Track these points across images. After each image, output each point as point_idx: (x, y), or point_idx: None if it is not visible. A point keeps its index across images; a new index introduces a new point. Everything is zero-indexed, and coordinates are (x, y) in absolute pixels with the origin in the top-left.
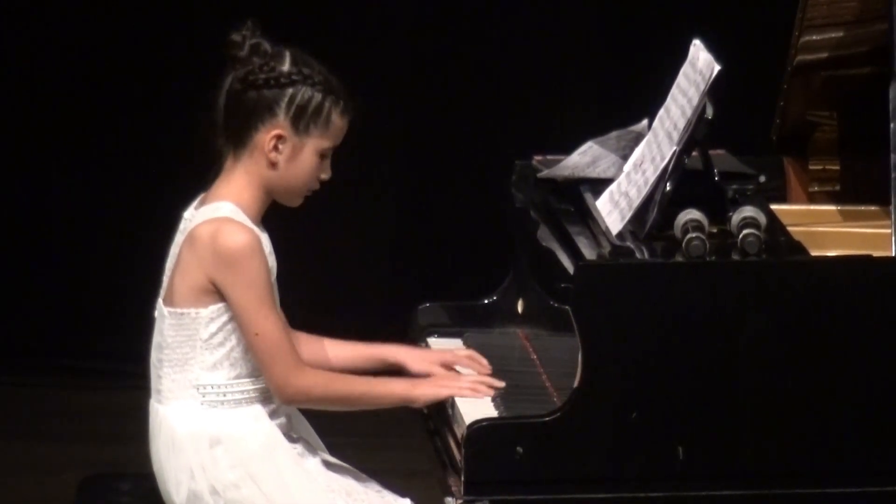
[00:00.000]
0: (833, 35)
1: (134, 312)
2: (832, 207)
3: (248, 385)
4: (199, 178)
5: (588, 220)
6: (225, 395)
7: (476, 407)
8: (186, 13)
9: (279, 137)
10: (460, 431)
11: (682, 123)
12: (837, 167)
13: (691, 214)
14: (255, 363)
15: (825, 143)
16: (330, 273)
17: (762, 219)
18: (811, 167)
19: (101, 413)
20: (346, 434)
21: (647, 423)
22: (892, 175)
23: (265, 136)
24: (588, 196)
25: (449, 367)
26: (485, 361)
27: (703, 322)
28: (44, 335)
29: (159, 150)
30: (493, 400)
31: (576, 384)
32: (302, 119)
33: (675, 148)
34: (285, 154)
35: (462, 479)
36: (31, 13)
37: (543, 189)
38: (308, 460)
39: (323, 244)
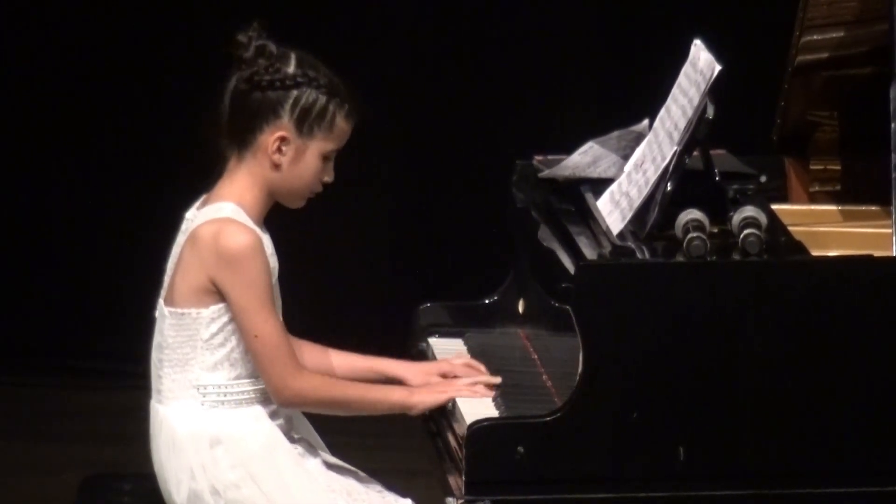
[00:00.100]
0: (834, 35)
1: (134, 312)
2: (833, 207)
3: (248, 385)
4: (200, 179)
5: (589, 220)
6: (225, 396)
7: (477, 407)
8: (187, 13)
9: (283, 139)
10: (461, 431)
11: (682, 123)
12: (838, 167)
13: (692, 214)
14: (254, 364)
15: (826, 143)
16: (331, 273)
17: (763, 219)
18: (812, 167)
19: (101, 413)
20: (347, 434)
21: (647, 423)
22: (893, 175)
23: (269, 138)
24: (589, 196)
25: (447, 377)
26: (483, 368)
27: (704, 322)
28: (44, 335)
29: (160, 150)
30: (494, 400)
31: (576, 384)
32: (306, 121)
33: (675, 148)
34: (288, 156)
35: (463, 478)
36: (31, 13)
37: (544, 189)
38: (309, 461)
39: (324, 244)
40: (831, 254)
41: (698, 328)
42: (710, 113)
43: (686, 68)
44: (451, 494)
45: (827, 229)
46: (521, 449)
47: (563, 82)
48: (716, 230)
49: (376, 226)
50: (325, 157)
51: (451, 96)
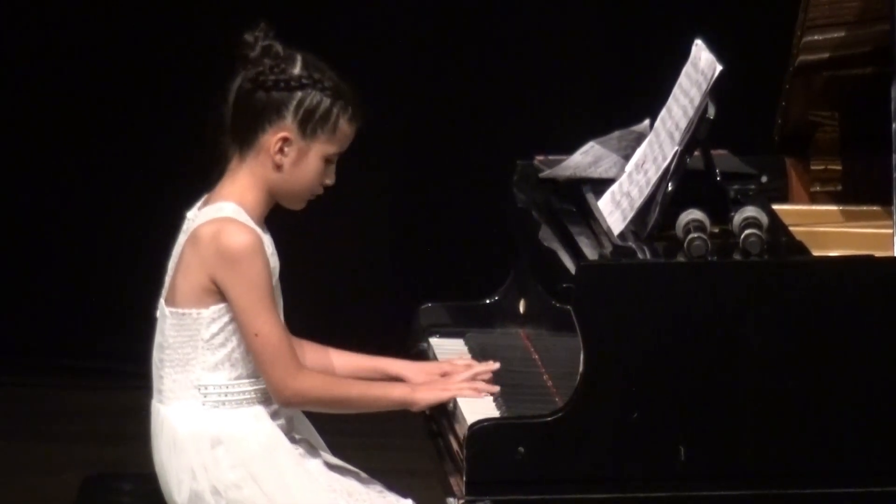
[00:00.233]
0: (835, 35)
1: (135, 312)
2: (834, 207)
3: (249, 385)
4: (200, 179)
5: (590, 220)
6: (226, 396)
7: (478, 407)
8: (187, 13)
9: (285, 140)
10: (462, 431)
11: (683, 123)
12: (839, 167)
13: (693, 214)
14: (255, 364)
15: (827, 143)
16: (331, 273)
17: (764, 219)
18: (813, 167)
19: (102, 413)
20: (347, 434)
21: (648, 423)
22: (894, 175)
23: (271, 138)
24: (590, 196)
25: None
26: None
27: (705, 322)
28: (44, 335)
29: (161, 150)
30: (495, 400)
31: (577, 384)
32: (309, 123)
33: (676, 148)
34: (290, 157)
35: (464, 478)
36: (31, 13)
37: (545, 189)
38: (309, 461)
39: (324, 244)
40: (832, 254)
41: (699, 328)
42: (711, 113)
43: (687, 68)
44: (452, 494)
45: (828, 229)
46: (521, 449)
47: (564, 82)
48: (717, 230)
49: (376, 226)
50: (327, 160)
51: (451, 96)
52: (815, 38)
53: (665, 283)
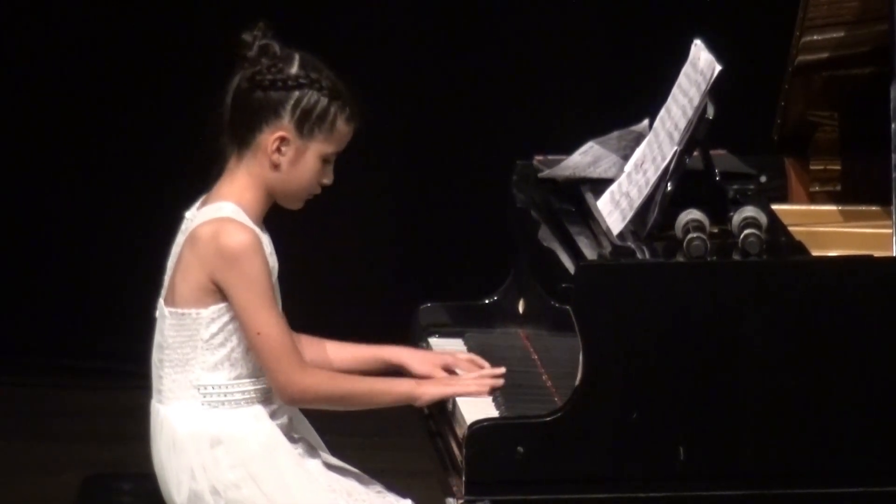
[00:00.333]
0: (834, 35)
1: (134, 312)
2: (833, 207)
3: (248, 385)
4: (200, 179)
5: (589, 220)
6: (226, 396)
7: (477, 407)
8: (187, 13)
9: (283, 139)
10: (461, 431)
11: (683, 123)
12: (838, 167)
13: (692, 214)
14: (257, 363)
15: (826, 143)
16: (331, 273)
17: (763, 219)
18: (812, 167)
19: (101, 413)
20: (347, 434)
21: (647, 423)
22: (893, 175)
23: (269, 138)
24: (589, 196)
25: (449, 369)
26: (486, 364)
27: (704, 322)
28: (44, 335)
29: (160, 150)
30: (495, 400)
31: (577, 384)
32: (306, 123)
33: (676, 148)
34: (288, 156)
35: (463, 478)
36: (31, 13)
37: (544, 189)
38: (309, 461)
39: (324, 244)
40: (831, 254)
41: (698, 328)
42: (711, 113)
43: (686, 68)
44: (451, 494)
45: (827, 229)
46: (521, 449)
47: (563, 82)
48: (716, 230)
49: (377, 226)
50: (324, 160)
51: (451, 96)
52: (815, 38)
53: (664, 283)
